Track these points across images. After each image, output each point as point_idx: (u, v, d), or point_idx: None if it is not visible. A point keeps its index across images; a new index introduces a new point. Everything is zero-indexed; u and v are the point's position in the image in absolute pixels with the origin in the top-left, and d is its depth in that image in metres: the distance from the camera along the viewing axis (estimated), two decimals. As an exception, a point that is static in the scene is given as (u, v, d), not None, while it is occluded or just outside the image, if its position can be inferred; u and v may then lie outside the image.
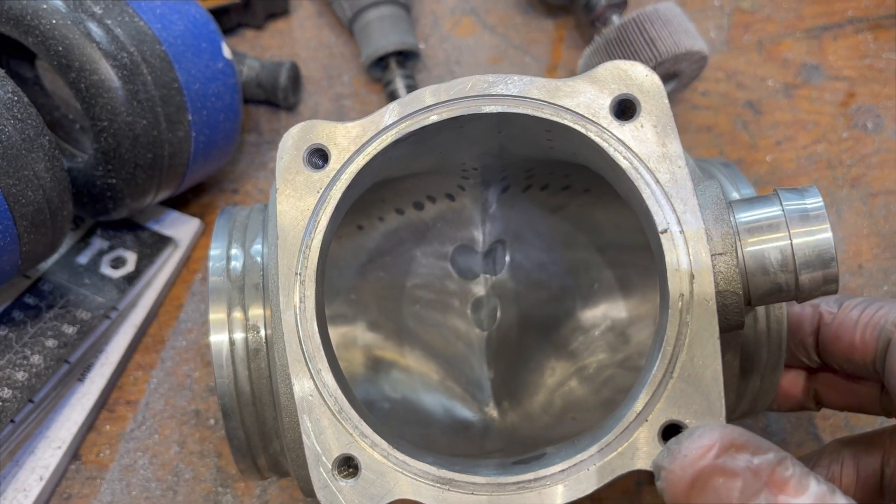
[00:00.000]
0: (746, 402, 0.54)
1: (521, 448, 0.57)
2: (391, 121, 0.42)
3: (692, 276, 0.39)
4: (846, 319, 0.48)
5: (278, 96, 0.77)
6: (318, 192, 0.42)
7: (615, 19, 0.74)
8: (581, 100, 0.41)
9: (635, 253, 0.61)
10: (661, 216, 0.39)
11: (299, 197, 0.42)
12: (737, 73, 0.79)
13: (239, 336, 0.48)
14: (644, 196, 0.40)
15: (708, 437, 0.36)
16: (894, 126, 0.77)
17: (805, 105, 0.78)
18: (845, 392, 0.53)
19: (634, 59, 0.67)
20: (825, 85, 0.79)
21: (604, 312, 0.63)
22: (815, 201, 0.41)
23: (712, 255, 0.40)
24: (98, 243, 0.69)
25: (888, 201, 0.73)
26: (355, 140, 0.43)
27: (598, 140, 0.41)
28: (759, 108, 0.78)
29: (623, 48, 0.69)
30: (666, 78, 0.73)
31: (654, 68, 0.68)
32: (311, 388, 0.41)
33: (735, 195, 0.52)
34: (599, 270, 0.63)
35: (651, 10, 0.69)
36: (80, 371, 0.66)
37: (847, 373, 0.51)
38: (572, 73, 0.80)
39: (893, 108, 0.77)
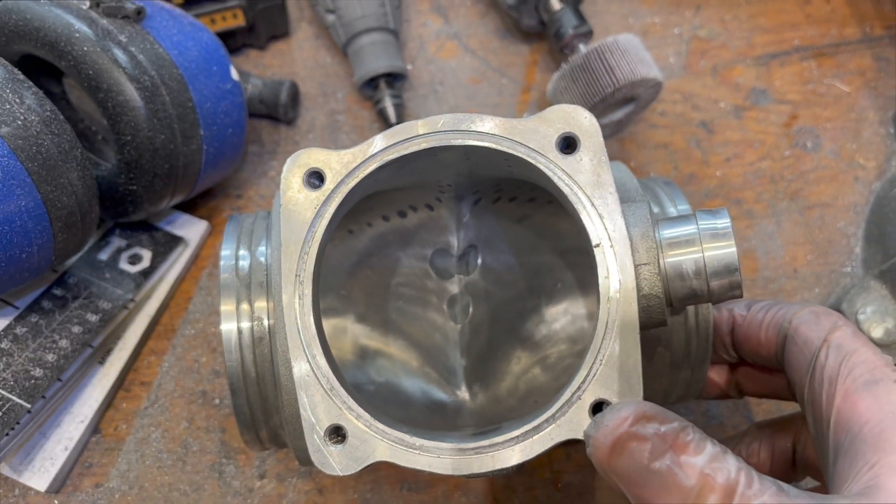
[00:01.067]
0: (680, 389, 0.59)
1: (487, 426, 0.62)
2: (377, 150, 0.48)
3: (619, 283, 0.46)
4: (754, 320, 0.53)
5: (279, 112, 0.81)
6: (315, 208, 0.48)
7: (581, 47, 0.79)
8: (533, 136, 0.48)
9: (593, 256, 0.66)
10: (595, 233, 0.46)
11: (299, 211, 0.48)
12: (692, 95, 0.84)
13: (246, 325, 0.53)
14: (581, 217, 0.46)
15: (625, 410, 0.42)
16: (831, 146, 0.82)
17: (753, 125, 0.83)
18: (760, 382, 0.58)
19: (596, 85, 0.72)
20: (771, 107, 0.84)
21: (565, 309, 0.66)
22: (724, 222, 0.48)
23: (637, 265, 0.46)
24: (117, 242, 0.73)
25: (823, 213, 0.79)
26: (347, 165, 0.48)
27: (545, 170, 0.47)
28: (712, 127, 0.83)
29: (586, 75, 0.74)
30: (625, 101, 0.78)
31: (613, 93, 0.73)
32: (307, 370, 0.47)
33: (672, 210, 0.58)
34: (562, 272, 0.66)
35: (611, 40, 0.74)
36: (101, 355, 0.70)
37: (760, 365, 0.57)
38: (544, 93, 0.84)
39: (831, 130, 0.82)
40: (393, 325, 0.67)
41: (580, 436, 0.45)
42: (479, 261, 0.67)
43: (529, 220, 0.66)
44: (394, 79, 0.82)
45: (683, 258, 0.47)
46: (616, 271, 0.46)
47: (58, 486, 0.66)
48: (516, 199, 0.65)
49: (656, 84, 0.76)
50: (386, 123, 0.81)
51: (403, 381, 0.65)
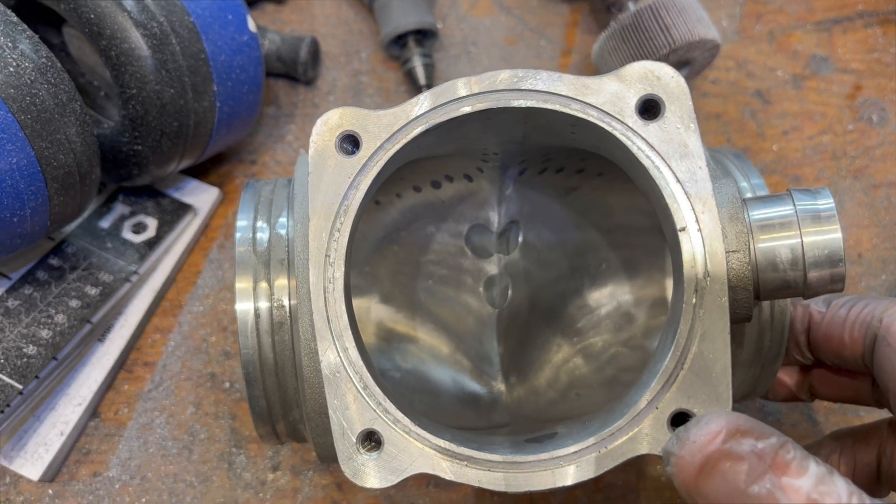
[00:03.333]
0: (747, 386, 0.55)
1: (527, 422, 0.58)
2: (422, 111, 0.43)
3: (707, 273, 0.40)
4: (835, 318, 0.49)
5: (298, 70, 0.77)
6: (349, 177, 0.43)
7: (631, 5, 0.74)
8: (607, 98, 0.42)
9: (642, 235, 0.61)
10: (680, 214, 0.41)
11: (330, 181, 0.43)
12: (747, 62, 0.80)
13: (264, 306, 0.48)
14: (664, 194, 0.41)
15: (715, 424, 0.37)
16: None
17: (812, 96, 0.79)
18: (838, 386, 0.54)
19: (649, 45, 0.68)
20: (833, 77, 0.79)
21: (610, 293, 0.63)
22: (826, 202, 0.42)
23: (727, 253, 0.41)
24: (120, 208, 0.70)
25: (889, 193, 0.74)
26: (386, 128, 0.43)
27: (622, 138, 0.42)
28: (768, 97, 0.79)
29: (638, 34, 0.70)
30: (679, 65, 0.73)
31: (668, 55, 0.68)
32: (337, 365, 0.42)
33: (746, 186, 0.53)
34: (607, 251, 0.63)
35: None
36: (101, 332, 0.66)
37: (839, 368, 0.53)
38: (586, 57, 0.80)
39: None
40: (421, 307, 0.64)
41: (656, 451, 0.40)
42: (521, 238, 0.64)
43: (576, 194, 0.63)
44: (423, 37, 0.78)
45: (778, 244, 0.42)
46: (704, 260, 0.40)
47: (52, 474, 0.64)
48: (564, 169, 0.61)
49: (714, 46, 0.72)
50: (414, 85, 0.78)
51: (432, 369, 0.62)
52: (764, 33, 0.82)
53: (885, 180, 0.75)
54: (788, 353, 0.53)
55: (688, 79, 0.75)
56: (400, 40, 0.78)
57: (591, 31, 0.82)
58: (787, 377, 0.57)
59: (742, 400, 0.58)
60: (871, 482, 0.51)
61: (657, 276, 0.63)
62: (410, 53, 0.77)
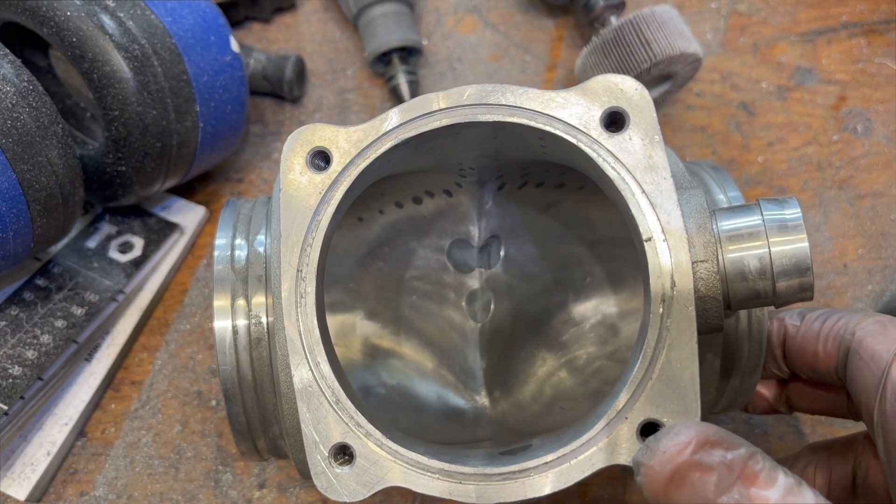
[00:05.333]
0: (727, 399, 0.54)
1: (511, 435, 0.58)
2: (391, 126, 0.43)
3: (673, 283, 0.40)
4: (809, 331, 0.48)
5: (283, 89, 0.77)
6: (321, 193, 0.43)
7: (613, 20, 0.74)
8: (573, 111, 0.42)
9: (626, 248, 0.61)
10: (646, 224, 0.41)
11: (302, 197, 0.43)
12: (731, 74, 0.80)
13: (242, 323, 0.48)
14: (630, 205, 0.41)
15: (685, 434, 0.37)
16: (884, 130, 0.77)
17: (797, 107, 0.78)
18: (814, 399, 0.54)
19: (630, 60, 0.68)
20: (818, 88, 0.79)
21: (595, 306, 0.63)
22: (793, 212, 0.42)
23: (694, 262, 0.41)
24: (106, 228, 0.70)
25: (875, 203, 0.74)
26: (356, 144, 0.43)
27: (587, 150, 0.42)
28: (753, 109, 0.78)
29: (619, 49, 0.69)
30: (661, 79, 0.73)
31: (650, 69, 0.68)
32: (309, 379, 0.42)
33: (722, 198, 0.52)
34: (591, 265, 0.63)
35: (647, 12, 0.69)
36: (88, 351, 0.66)
37: (815, 381, 0.52)
38: (570, 71, 0.80)
39: (883, 112, 0.78)
40: (406, 323, 0.63)
41: (627, 462, 0.40)
42: (502, 252, 0.63)
43: (557, 208, 0.63)
44: (408, 54, 0.79)
45: (746, 254, 0.42)
46: (670, 270, 0.40)
47: (39, 494, 0.63)
48: (544, 184, 0.61)
49: (696, 60, 0.72)
50: (399, 102, 0.76)
51: (417, 385, 0.62)
52: (748, 45, 0.82)
53: (871, 190, 0.75)
54: (766, 367, 0.53)
55: (671, 92, 0.75)
56: (384, 57, 0.78)
57: (576, 46, 0.82)
58: (766, 390, 0.56)
59: (723, 412, 0.57)
60: (846, 495, 0.50)
61: (641, 290, 0.62)
62: (395, 71, 0.77)
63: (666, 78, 0.73)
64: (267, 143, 0.78)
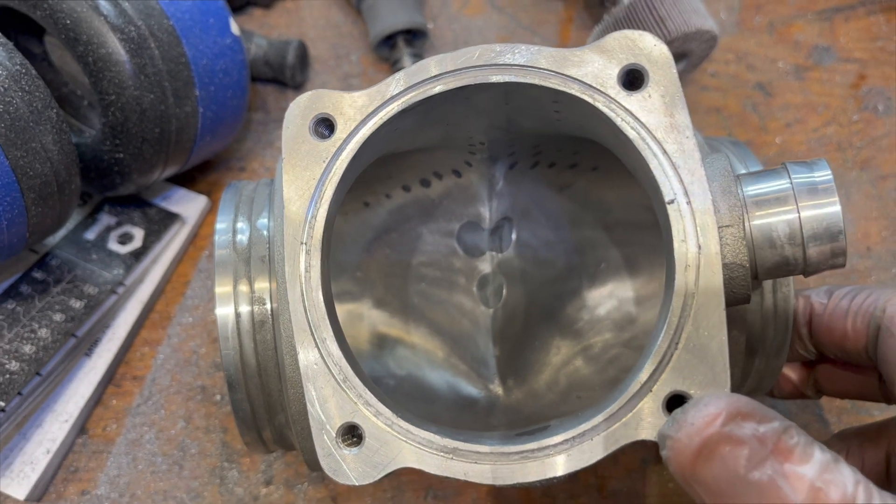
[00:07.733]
0: (752, 382, 0.53)
1: (526, 424, 0.56)
2: (397, 90, 0.42)
3: (699, 247, 0.38)
4: (837, 309, 0.47)
5: (286, 75, 0.76)
6: (324, 161, 0.42)
7: None
8: (589, 69, 0.41)
9: (643, 231, 0.60)
10: (669, 186, 0.39)
11: (305, 167, 0.42)
12: (747, 54, 0.79)
13: (245, 308, 0.47)
14: (651, 167, 0.39)
15: (714, 406, 0.35)
16: None
17: (816, 87, 0.77)
18: (844, 381, 0.52)
19: None
20: (836, 67, 0.78)
21: (610, 291, 0.62)
22: (823, 174, 0.41)
23: (719, 227, 0.39)
24: (105, 219, 0.69)
25: None
26: (361, 110, 0.42)
27: (605, 110, 0.40)
28: (770, 89, 0.77)
29: (632, 27, 0.68)
30: (675, 58, 0.71)
31: None
32: (315, 357, 0.40)
33: (743, 171, 0.51)
34: (606, 249, 0.62)
35: None
36: (88, 346, 0.65)
37: (844, 362, 0.51)
38: None
39: None
40: (415, 311, 0.62)
41: (652, 437, 0.38)
42: (514, 235, 0.62)
43: (571, 190, 0.62)
44: (413, 37, 0.78)
45: (774, 219, 0.40)
46: (695, 233, 0.38)
47: (39, 493, 0.63)
48: (556, 164, 0.60)
49: (711, 38, 0.70)
50: None
51: (427, 374, 0.61)
52: (764, 24, 0.80)
53: (893, 171, 0.73)
54: (792, 348, 0.51)
55: (685, 72, 0.74)
56: (389, 41, 0.77)
57: (585, 28, 0.81)
58: (792, 373, 0.54)
59: (748, 396, 0.55)
60: (880, 482, 0.48)
61: (659, 275, 0.61)
62: (400, 54, 0.76)
63: (680, 57, 0.72)
64: (269, 131, 0.77)
